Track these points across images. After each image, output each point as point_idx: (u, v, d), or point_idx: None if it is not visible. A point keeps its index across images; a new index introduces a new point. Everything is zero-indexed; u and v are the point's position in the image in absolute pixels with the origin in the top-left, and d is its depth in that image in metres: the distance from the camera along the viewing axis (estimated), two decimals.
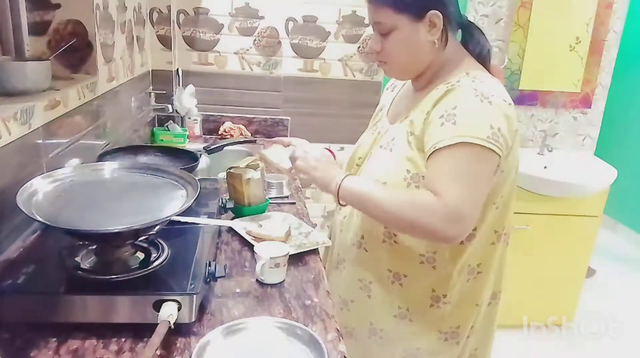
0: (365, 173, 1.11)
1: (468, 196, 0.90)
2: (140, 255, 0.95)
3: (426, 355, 1.12)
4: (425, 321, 1.10)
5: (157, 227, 0.89)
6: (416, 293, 1.08)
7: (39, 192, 0.90)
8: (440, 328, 1.10)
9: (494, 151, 0.90)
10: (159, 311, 0.81)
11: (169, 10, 2.18)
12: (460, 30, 1.06)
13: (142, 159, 1.49)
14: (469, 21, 1.07)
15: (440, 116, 0.93)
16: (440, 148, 0.91)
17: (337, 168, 1.10)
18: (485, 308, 1.14)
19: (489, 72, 1.04)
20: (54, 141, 1.18)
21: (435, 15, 0.97)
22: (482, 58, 1.04)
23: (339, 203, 1.06)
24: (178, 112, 2.20)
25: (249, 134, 2.38)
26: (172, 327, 0.80)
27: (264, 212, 1.41)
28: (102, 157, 1.39)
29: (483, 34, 1.06)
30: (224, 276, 0.97)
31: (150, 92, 2.17)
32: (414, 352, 1.12)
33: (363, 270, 1.14)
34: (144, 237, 0.96)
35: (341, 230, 1.20)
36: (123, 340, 0.83)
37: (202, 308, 0.92)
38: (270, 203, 1.46)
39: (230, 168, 1.40)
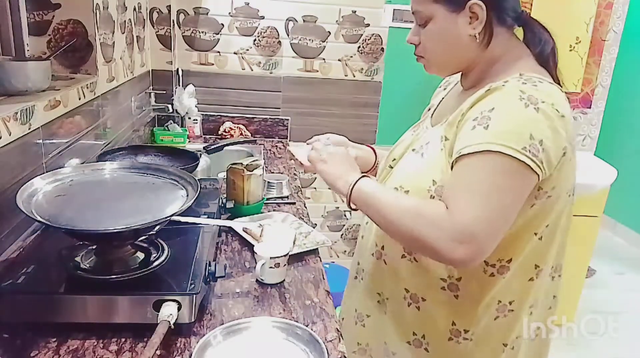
0: (394, 177, 0.99)
1: (484, 215, 0.77)
2: (140, 255, 0.95)
3: None
4: (443, 355, 0.97)
5: (157, 227, 0.89)
6: (434, 322, 0.95)
7: (39, 192, 0.90)
8: None
9: (530, 167, 0.76)
10: (159, 311, 0.81)
11: (169, 10, 2.18)
12: (522, 28, 0.94)
13: (142, 159, 1.49)
14: (531, 17, 0.93)
15: (475, 118, 0.81)
16: (465, 154, 0.79)
17: (351, 167, 0.99)
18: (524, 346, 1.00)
19: (554, 75, 0.90)
20: (54, 141, 1.18)
21: (476, 5, 0.84)
22: (544, 58, 0.90)
23: (349, 205, 0.95)
24: (178, 112, 2.20)
25: (249, 134, 2.37)
26: (172, 327, 0.80)
27: (260, 211, 1.41)
28: (102, 157, 1.39)
29: (547, 30, 0.92)
30: (224, 276, 0.97)
31: (150, 92, 2.17)
32: None
33: (380, 284, 1.02)
34: (144, 237, 0.96)
35: (362, 236, 1.09)
36: (123, 340, 0.83)
37: (202, 308, 0.92)
38: (265, 201, 1.46)
39: (232, 163, 1.40)
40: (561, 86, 0.90)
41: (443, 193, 0.85)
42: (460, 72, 0.97)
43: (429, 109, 1.08)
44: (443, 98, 1.06)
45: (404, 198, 0.90)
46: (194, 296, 0.85)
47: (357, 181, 0.93)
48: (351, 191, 0.92)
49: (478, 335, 0.94)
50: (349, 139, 1.18)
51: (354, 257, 1.14)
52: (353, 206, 0.94)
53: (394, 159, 1.02)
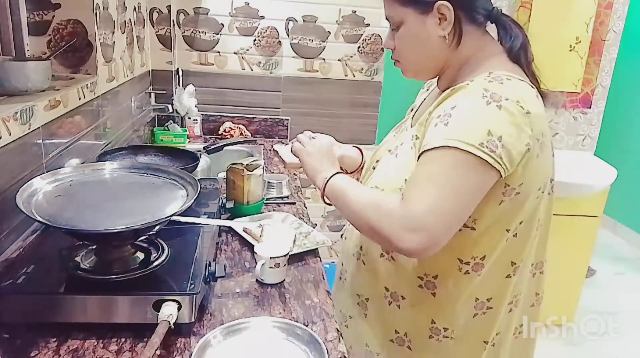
0: (373, 178, 1.01)
1: (436, 206, 0.78)
2: (140, 255, 0.95)
3: None
4: (425, 353, 0.98)
5: (157, 227, 0.89)
6: (414, 320, 0.97)
7: (39, 192, 0.90)
8: None
9: (488, 163, 0.77)
10: (159, 311, 0.81)
11: (169, 10, 2.18)
12: (495, 26, 0.94)
13: (142, 159, 1.49)
14: (502, 13, 0.93)
15: (438, 116, 0.83)
16: (425, 151, 0.81)
17: (332, 163, 1.03)
18: (505, 345, 1.02)
19: (527, 71, 0.90)
20: (54, 141, 1.18)
21: (443, 6, 0.86)
22: (515, 54, 0.90)
23: (323, 199, 0.98)
24: (178, 112, 2.20)
25: (249, 134, 2.38)
26: (172, 327, 0.80)
27: (260, 211, 1.41)
28: (102, 157, 1.39)
29: (518, 26, 0.93)
30: (224, 276, 0.97)
31: (150, 92, 2.17)
32: None
33: (360, 284, 1.04)
34: (144, 237, 0.96)
35: (346, 237, 1.11)
36: (123, 340, 0.83)
37: (202, 308, 0.92)
38: (265, 201, 1.46)
39: (232, 163, 1.40)
40: (538, 82, 0.90)
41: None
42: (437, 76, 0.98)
43: (412, 110, 1.09)
44: (425, 99, 1.07)
45: (367, 191, 0.93)
46: (194, 296, 0.85)
47: (332, 176, 0.96)
48: (325, 186, 0.96)
49: (458, 333, 0.95)
50: (347, 141, 1.18)
51: (339, 258, 1.16)
52: (327, 201, 0.97)
53: (377, 161, 1.03)
